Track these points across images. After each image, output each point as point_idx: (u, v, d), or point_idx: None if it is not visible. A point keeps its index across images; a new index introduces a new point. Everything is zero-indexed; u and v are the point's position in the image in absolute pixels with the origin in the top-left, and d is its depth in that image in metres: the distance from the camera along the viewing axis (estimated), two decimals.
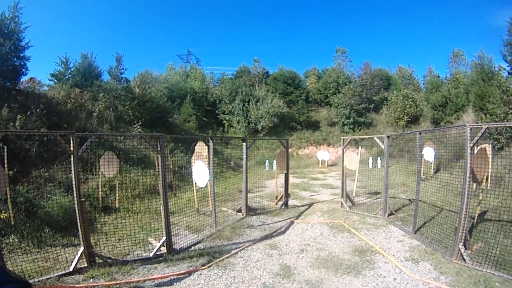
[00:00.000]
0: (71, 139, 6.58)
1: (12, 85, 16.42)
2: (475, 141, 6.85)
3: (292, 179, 16.48)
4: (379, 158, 20.92)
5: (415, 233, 8.97)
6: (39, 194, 10.73)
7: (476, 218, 9.01)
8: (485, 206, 9.43)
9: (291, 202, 13.77)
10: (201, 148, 11.05)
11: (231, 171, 22.98)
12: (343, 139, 13.27)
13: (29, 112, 14.06)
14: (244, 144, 11.55)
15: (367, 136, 18.00)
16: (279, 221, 11.18)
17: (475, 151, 8.35)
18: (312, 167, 28.09)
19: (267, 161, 25.01)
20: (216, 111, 36.34)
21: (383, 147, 11.05)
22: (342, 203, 12.74)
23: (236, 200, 13.22)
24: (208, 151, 10.21)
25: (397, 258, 7.59)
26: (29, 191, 10.43)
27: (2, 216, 8.37)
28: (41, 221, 9.04)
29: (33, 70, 64.64)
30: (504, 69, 24.00)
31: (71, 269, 6.58)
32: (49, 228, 8.76)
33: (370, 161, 22.37)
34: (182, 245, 8.60)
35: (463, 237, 7.00)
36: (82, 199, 6.85)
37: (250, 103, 35.09)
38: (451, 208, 9.36)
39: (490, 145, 10.39)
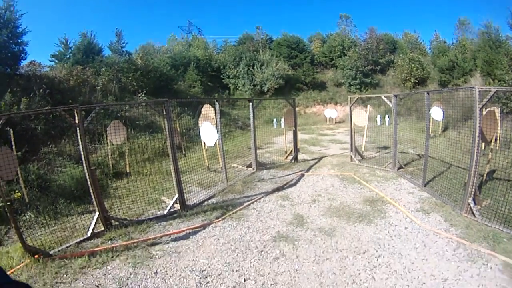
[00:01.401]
0: (75, 112, 6.50)
1: (12, 70, 16.40)
2: (484, 103, 6.68)
3: (300, 135, 16.44)
4: (387, 116, 20.76)
5: (424, 186, 8.91)
6: (50, 169, 10.77)
7: (485, 176, 8.93)
8: (494, 166, 9.32)
9: (300, 156, 13.72)
10: (207, 110, 10.96)
11: (239, 130, 22.90)
12: (350, 97, 13.14)
13: (32, 94, 13.99)
14: (250, 104, 11.46)
15: (374, 95, 17.79)
16: (289, 174, 11.18)
17: (484, 113, 8.22)
18: (320, 124, 27.97)
19: (274, 119, 24.89)
20: (221, 76, 35.81)
21: (391, 106, 10.89)
22: (351, 156, 12.72)
23: (246, 157, 13.23)
24: (215, 113, 10.13)
25: (408, 209, 7.58)
26: (40, 168, 10.48)
27: (16, 196, 8.37)
28: (55, 194, 9.10)
29: (34, 53, 63.84)
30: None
31: (89, 234, 6.64)
32: (63, 199, 8.79)
33: (378, 118, 22.23)
34: (195, 201, 8.63)
35: (472, 192, 6.93)
36: (92, 167, 6.83)
37: (255, 67, 34.53)
38: (460, 165, 9.29)
39: (499, 109, 10.26)
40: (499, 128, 9.87)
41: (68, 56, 24.44)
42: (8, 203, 5.63)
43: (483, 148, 9.00)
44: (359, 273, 5.12)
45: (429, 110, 9.39)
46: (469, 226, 6.47)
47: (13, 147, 8.76)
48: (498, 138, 10.03)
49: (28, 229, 7.15)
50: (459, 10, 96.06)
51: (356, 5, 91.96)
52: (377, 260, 5.49)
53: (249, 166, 11.97)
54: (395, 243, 6.03)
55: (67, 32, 60.02)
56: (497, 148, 9.80)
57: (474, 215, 6.80)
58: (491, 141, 8.98)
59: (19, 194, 8.46)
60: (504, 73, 18.71)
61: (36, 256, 5.65)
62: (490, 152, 9.11)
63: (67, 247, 6.14)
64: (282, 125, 15.32)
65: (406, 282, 4.77)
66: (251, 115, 11.49)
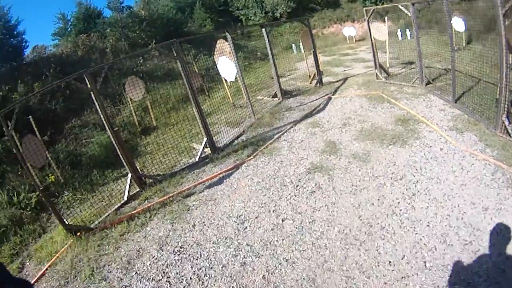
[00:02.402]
0: (86, 78, 6.30)
1: (18, 62, 15.87)
2: (507, 8, 6.19)
3: (322, 58, 15.93)
4: (407, 30, 19.95)
5: (455, 103, 8.57)
6: (78, 143, 10.80)
7: None
8: None
9: (325, 79, 13.36)
10: (222, 44, 10.65)
11: (259, 62, 22.44)
12: (366, 10, 12.44)
13: (44, 77, 13.70)
14: (263, 30, 11.03)
15: (390, 5, 16.95)
16: (316, 99, 11.00)
17: (508, 22, 7.70)
18: (340, 44, 26.98)
19: (293, 45, 24.09)
20: (230, 9, 34.42)
21: (410, 15, 10.26)
22: (377, 74, 12.28)
23: (270, 87, 12.92)
24: (230, 45, 9.77)
25: (441, 128, 7.34)
26: (68, 145, 10.52)
27: (50, 179, 8.36)
28: (88, 166, 9.13)
29: (37, 38, 61.87)
30: None
31: (125, 198, 6.70)
32: (96, 169, 8.80)
33: (399, 32, 21.48)
34: (225, 141, 8.58)
35: (505, 109, 6.56)
36: (115, 129, 6.76)
37: None
38: (489, 80, 8.74)
39: None
40: None
41: (69, 29, 23.64)
42: (41, 189, 5.67)
43: (511, 61, 8.57)
44: (398, 202, 5.07)
45: (450, 19, 8.90)
46: (505, 147, 6.16)
47: (37, 133, 8.66)
48: None
49: (68, 208, 7.24)
50: None
51: None
52: (415, 186, 5.40)
53: (275, 96, 11.80)
54: (432, 166, 5.90)
55: (61, 6, 57.95)
56: None
57: (509, 134, 6.47)
58: None
59: (53, 177, 8.49)
60: None
61: (78, 233, 5.76)
62: None
63: (106, 216, 6.24)
64: (302, 50, 14.89)
65: (446, 212, 4.66)
66: (267, 41, 11.10)
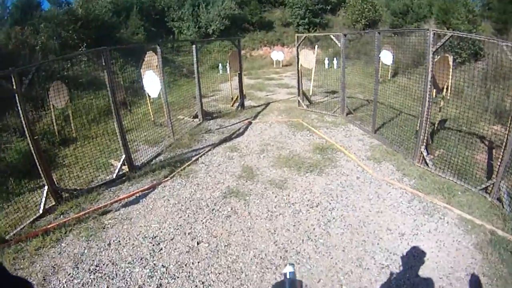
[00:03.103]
0: (12, 77, 5.89)
1: None
2: (438, 46, 6.59)
3: (246, 80, 16.21)
4: (335, 59, 20.75)
5: (374, 133, 8.99)
6: None
7: (436, 124, 9.05)
8: (445, 115, 9.47)
9: (247, 103, 13.52)
10: (150, 57, 10.47)
11: (184, 79, 22.22)
12: (298, 36, 12.82)
13: None
14: (194, 47, 11.04)
15: (322, 34, 17.61)
16: (236, 123, 11.05)
17: (437, 59, 8.21)
18: (267, 67, 27.57)
19: (220, 64, 24.37)
20: (165, 19, 34.09)
21: (339, 45, 10.68)
22: (299, 101, 12.59)
23: (192, 107, 12.81)
24: (158, 59, 9.65)
25: (359, 157, 7.66)
26: None
27: None
28: (4, 173, 8.47)
29: None
30: None
31: (40, 211, 6.30)
32: (13, 177, 8.20)
33: (326, 61, 22.24)
34: (143, 160, 8.38)
35: (425, 141, 7.01)
36: (36, 137, 6.36)
37: (200, 6, 33.14)
38: (410, 112, 9.41)
39: (451, 57, 10.34)
40: (451, 76, 9.99)
41: (5, 17, 22.27)
42: None
43: (434, 95, 9.08)
44: (314, 228, 5.16)
45: (379, 52, 9.32)
46: (422, 177, 6.59)
47: None
48: (450, 86, 10.15)
49: None
50: None
51: None
52: (331, 213, 5.54)
53: (196, 116, 11.68)
54: (348, 194, 6.10)
55: None
56: (448, 96, 9.93)
57: (427, 164, 6.92)
58: (442, 89, 9.04)
59: None
60: (460, 23, 18.96)
61: None
62: (442, 100, 9.19)
63: (21, 229, 5.84)
64: (228, 70, 15.03)
65: (362, 237, 4.83)
66: (195, 59, 11.06)
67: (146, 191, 6.80)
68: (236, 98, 13.14)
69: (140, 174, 7.61)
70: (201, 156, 8.39)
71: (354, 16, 32.73)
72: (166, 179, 7.24)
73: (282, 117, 11.49)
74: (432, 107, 7.05)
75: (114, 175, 7.52)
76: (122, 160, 7.70)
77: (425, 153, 6.98)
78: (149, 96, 10.83)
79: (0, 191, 7.64)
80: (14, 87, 5.91)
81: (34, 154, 6.29)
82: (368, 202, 5.75)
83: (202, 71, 11.94)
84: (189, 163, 8.00)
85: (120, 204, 6.42)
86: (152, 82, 9.58)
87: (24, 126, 6.15)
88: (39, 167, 6.36)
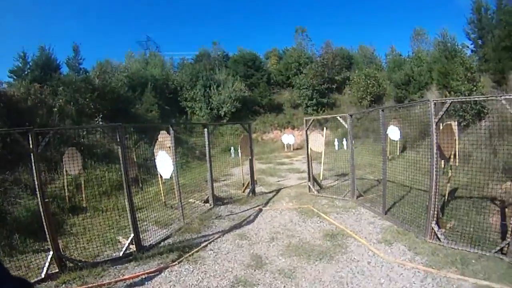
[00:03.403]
0: (29, 136, 6.24)
1: None
2: (439, 116, 6.82)
3: (258, 165, 16.44)
4: (344, 139, 21.03)
5: (385, 214, 9.01)
6: (6, 199, 10.29)
7: (446, 196, 9.03)
8: (455, 184, 9.47)
9: (258, 189, 13.69)
10: (164, 137, 10.82)
11: (197, 161, 22.76)
12: (306, 119, 13.26)
13: None
14: (205, 130, 11.42)
15: (329, 116, 17.98)
16: (247, 210, 11.11)
17: (441, 128, 8.37)
18: (278, 151, 28.13)
19: (232, 147, 24.87)
20: (178, 98, 35.72)
21: (346, 127, 11.04)
22: (309, 187, 12.72)
23: (203, 190, 13.05)
24: (171, 139, 9.97)
25: (369, 241, 7.59)
26: None
27: None
28: (11, 227, 8.70)
29: None
30: (467, 47, 24.61)
31: (42, 275, 6.36)
32: (19, 234, 8.40)
33: (336, 142, 22.53)
34: (151, 241, 8.43)
35: (435, 216, 7.02)
36: (46, 200, 6.58)
37: (211, 88, 34.73)
38: (421, 187, 9.35)
39: (456, 122, 10.46)
40: (457, 143, 10.08)
41: (26, 72, 23.95)
42: None
43: (442, 166, 9.13)
44: None
45: (385, 130, 9.48)
46: (435, 252, 6.54)
47: None
48: (457, 153, 10.21)
49: None
50: (416, 21, 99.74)
51: (311, 18, 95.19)
52: None
53: (206, 201, 11.79)
54: (359, 280, 5.98)
55: (26, 45, 58.85)
56: (456, 164, 9.98)
57: (439, 239, 6.88)
58: (450, 158, 9.12)
59: None
60: (460, 83, 19.30)
61: None
62: (450, 169, 9.22)
63: None
64: (240, 155, 15.31)
65: None
66: (207, 143, 11.41)
67: (152, 274, 6.76)
68: (248, 184, 13.33)
69: (148, 256, 7.60)
70: (210, 243, 8.37)
71: (359, 93, 33.49)
72: (173, 264, 7.20)
73: (292, 203, 11.55)
74: (440, 179, 7.10)
75: (121, 253, 7.55)
76: (130, 238, 7.75)
77: (436, 228, 6.96)
78: (161, 176, 11.01)
79: (5, 244, 7.76)
80: (31, 146, 6.20)
81: (43, 217, 6.41)
82: (379, 287, 5.66)
83: (214, 153, 12.21)
84: (197, 249, 7.97)
85: (125, 283, 6.39)
86: (165, 162, 9.81)
87: (36, 186, 6.35)
88: (46, 230, 6.46)
